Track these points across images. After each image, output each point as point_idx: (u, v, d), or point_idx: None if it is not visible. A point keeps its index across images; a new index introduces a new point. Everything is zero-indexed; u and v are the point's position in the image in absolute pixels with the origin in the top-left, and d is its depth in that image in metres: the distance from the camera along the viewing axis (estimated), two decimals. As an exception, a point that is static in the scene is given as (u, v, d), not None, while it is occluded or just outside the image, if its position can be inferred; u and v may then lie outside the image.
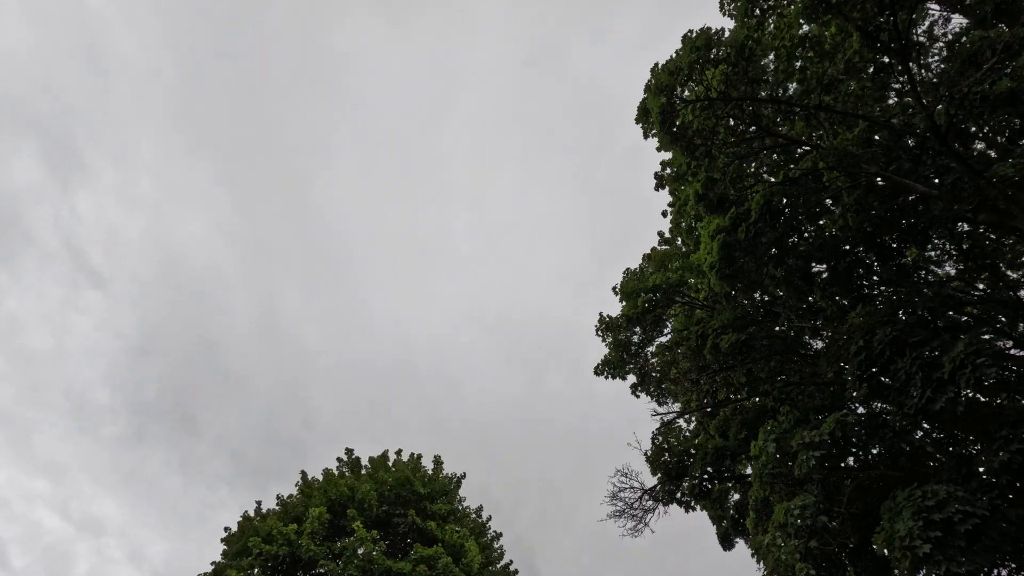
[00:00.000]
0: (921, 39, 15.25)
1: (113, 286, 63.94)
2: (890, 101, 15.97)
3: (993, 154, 15.40)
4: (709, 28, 15.26)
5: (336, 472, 29.83)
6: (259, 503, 27.78)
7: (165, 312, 64.25)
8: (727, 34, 15.16)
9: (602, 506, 19.91)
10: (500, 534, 30.25)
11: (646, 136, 17.68)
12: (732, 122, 15.90)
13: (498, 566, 29.38)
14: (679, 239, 21.69)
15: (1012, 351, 14.58)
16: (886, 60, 14.78)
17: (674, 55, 15.49)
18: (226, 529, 26.49)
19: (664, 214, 22.04)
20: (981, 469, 11.40)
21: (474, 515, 30.22)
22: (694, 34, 14.92)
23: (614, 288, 22.03)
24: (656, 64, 16.07)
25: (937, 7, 15.36)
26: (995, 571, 11.11)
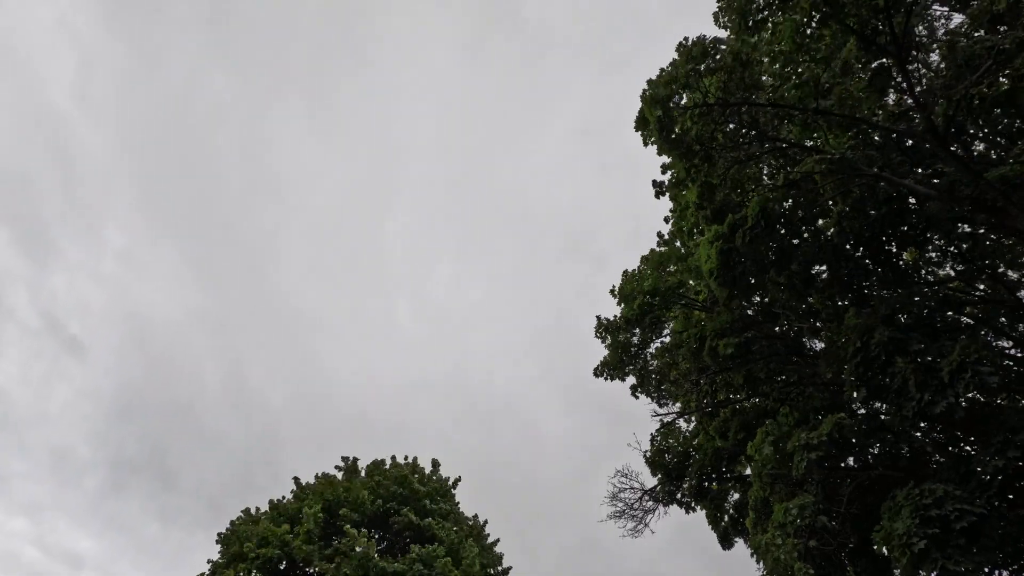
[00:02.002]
0: (922, 36, 15.30)
1: (91, 355, 70.52)
2: (889, 102, 16.02)
3: (993, 155, 15.46)
4: (704, 36, 15.41)
5: (334, 475, 29.91)
6: (247, 509, 27.91)
7: (141, 379, 70.94)
8: (722, 42, 15.32)
9: (602, 507, 19.95)
10: (498, 540, 30.23)
11: (645, 144, 17.70)
12: (731, 127, 15.99)
13: (499, 568, 29.38)
14: (678, 241, 21.72)
15: (1012, 351, 14.62)
16: (884, 62, 14.85)
17: (669, 65, 15.63)
18: (219, 535, 26.57)
19: (666, 220, 22.08)
20: (980, 469, 11.43)
21: (471, 520, 30.22)
22: (689, 42, 15.04)
23: (612, 290, 22.05)
24: (660, 70, 16.18)
25: (939, 7, 15.43)
26: (995, 572, 11.15)
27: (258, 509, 28.14)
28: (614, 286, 21.70)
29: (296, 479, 29.41)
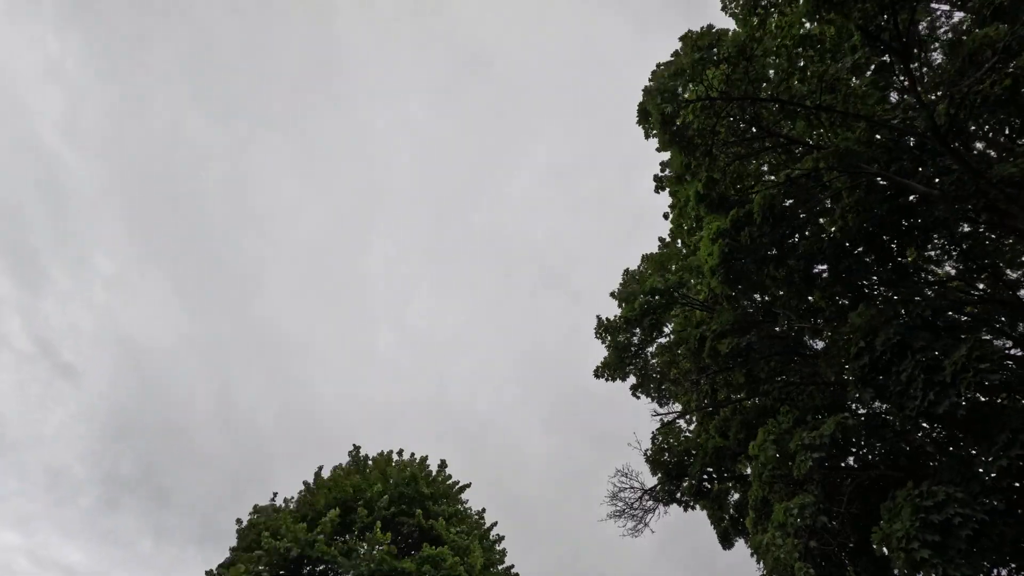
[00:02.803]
0: (923, 34, 15.24)
1: (84, 379, 72.87)
2: (891, 99, 15.96)
3: (992, 154, 15.41)
4: (712, 26, 15.24)
5: (344, 469, 29.86)
6: (275, 494, 27.76)
7: (133, 401, 73.09)
8: (728, 33, 15.20)
9: (602, 506, 19.92)
10: (502, 536, 30.21)
11: (647, 137, 17.66)
12: (733, 120, 15.91)
13: (500, 568, 29.36)
14: (679, 240, 21.67)
15: (1012, 351, 14.57)
16: (887, 59, 14.78)
17: (673, 56, 15.50)
18: (238, 521, 26.47)
19: (665, 216, 22.02)
20: (982, 470, 11.37)
21: (476, 517, 30.20)
22: (695, 34, 14.91)
23: (612, 293, 22.02)
24: (657, 65, 16.10)
25: (941, 5, 15.36)
26: (994, 572, 11.09)
27: (279, 499, 28.11)
28: (613, 291, 21.68)
29: (316, 474, 29.29)
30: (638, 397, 22.58)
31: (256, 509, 26.76)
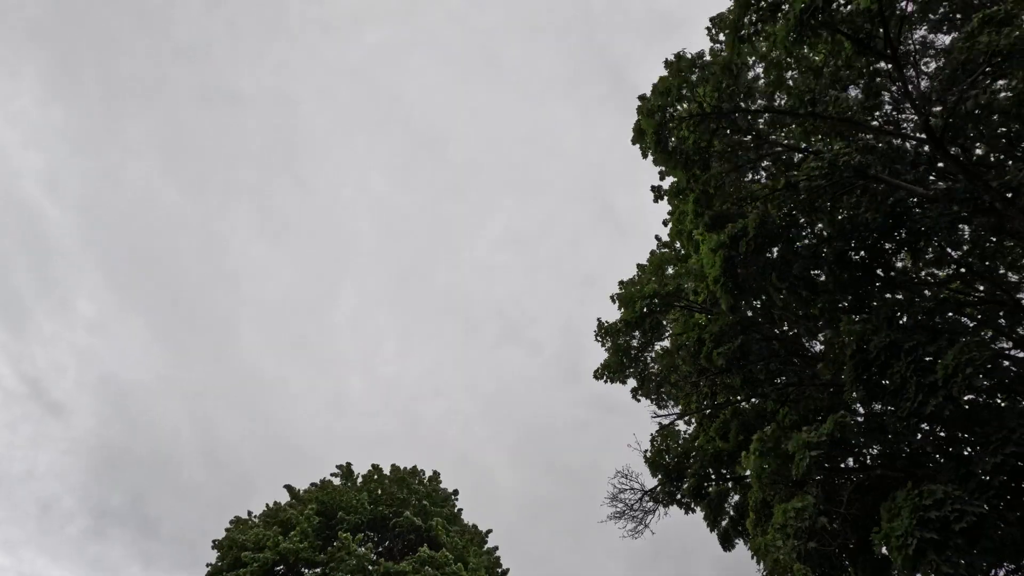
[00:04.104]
0: (916, 43, 15.41)
1: (73, 417, 77.16)
2: (886, 108, 16.12)
3: (992, 159, 15.54)
4: (684, 51, 15.86)
5: (329, 480, 29.95)
6: (237, 517, 28.02)
7: (120, 437, 76.93)
8: (707, 55, 15.58)
9: (602, 507, 19.97)
10: (497, 547, 30.30)
11: (644, 156, 17.78)
12: (728, 132, 16.11)
13: (498, 571, 29.43)
14: (677, 243, 21.75)
15: (1011, 352, 14.66)
16: (882, 66, 14.93)
17: (658, 80, 15.84)
18: (214, 542, 26.62)
19: (664, 223, 22.12)
20: (980, 471, 11.46)
21: (472, 526, 30.27)
22: (675, 58, 15.30)
23: (612, 297, 22.09)
24: (652, 85, 16.35)
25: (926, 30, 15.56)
26: (993, 572, 11.17)
27: (250, 514, 28.26)
28: (613, 295, 21.76)
29: (288, 487, 29.44)
30: (638, 400, 22.65)
31: (229, 529, 26.97)
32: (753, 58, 15.72)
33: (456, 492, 30.82)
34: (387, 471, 30.25)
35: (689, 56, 15.74)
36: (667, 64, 15.85)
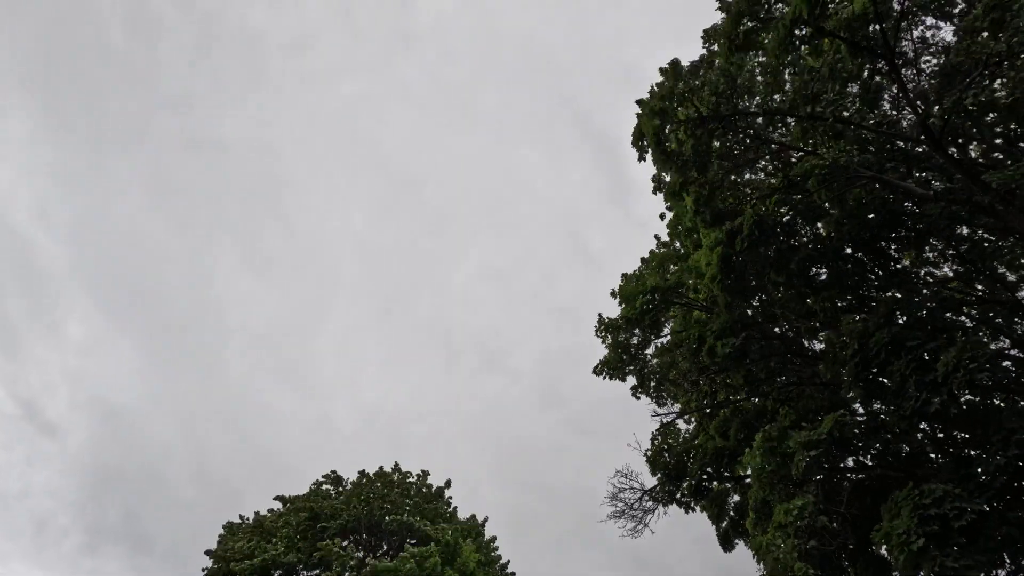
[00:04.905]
0: (913, 44, 15.38)
1: (67, 437, 79.83)
2: (884, 107, 16.10)
3: (989, 158, 15.54)
4: (677, 60, 16.15)
5: (318, 487, 30.10)
6: (242, 516, 28.26)
7: (114, 456, 79.71)
8: (700, 66, 15.68)
9: (602, 507, 20.00)
10: (495, 537, 30.34)
11: (641, 158, 17.79)
12: (728, 136, 16.14)
13: (496, 567, 29.47)
14: (677, 242, 21.75)
15: (1010, 352, 14.70)
16: (879, 65, 14.91)
17: (656, 87, 15.89)
18: (207, 553, 26.89)
19: (662, 216, 22.12)
20: (980, 470, 11.50)
21: (470, 516, 30.33)
22: (670, 66, 15.39)
23: (612, 291, 22.08)
24: (652, 88, 16.36)
25: (927, 17, 15.52)
26: (994, 571, 11.21)
27: (243, 518, 28.55)
28: (613, 289, 21.74)
29: (280, 497, 29.62)
30: (638, 398, 22.66)
31: (226, 527, 27.22)
32: (749, 65, 15.83)
33: (448, 483, 30.85)
34: (375, 474, 30.39)
35: (678, 63, 16.09)
36: (662, 71, 16.12)
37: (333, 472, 30.71)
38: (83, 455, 78.37)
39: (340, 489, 29.41)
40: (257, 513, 28.71)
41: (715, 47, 16.62)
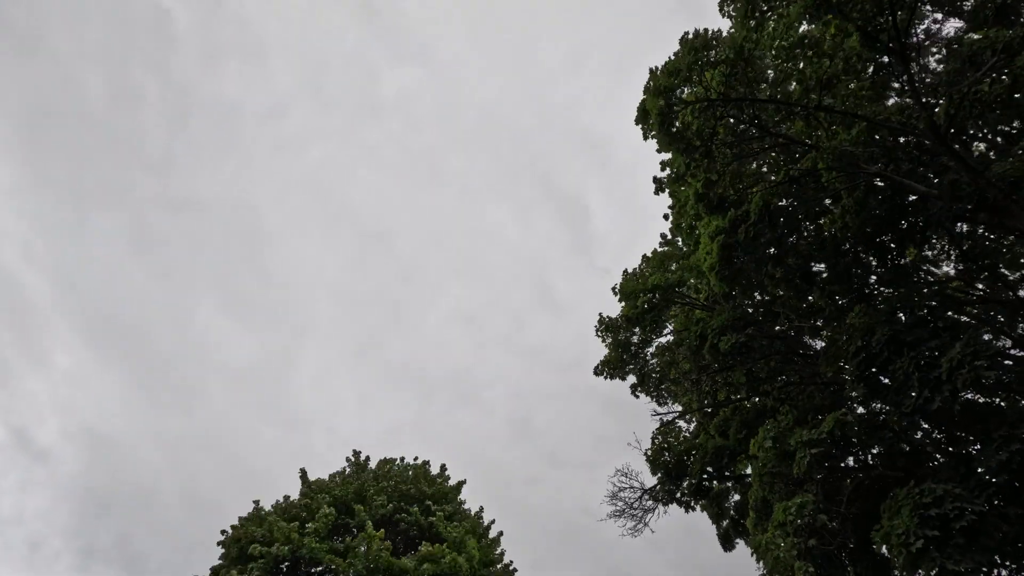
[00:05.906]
0: (920, 37, 15.27)
1: (60, 464, 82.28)
2: (889, 102, 15.98)
3: (992, 155, 15.42)
4: (707, 30, 15.40)
5: (344, 471, 29.98)
6: (256, 502, 27.71)
7: (105, 482, 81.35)
8: (724, 34, 15.27)
9: (602, 506, 19.95)
10: (501, 533, 30.30)
11: (645, 137, 17.67)
12: (732, 121, 15.95)
13: (498, 567, 29.42)
14: (679, 240, 21.67)
15: (1011, 351, 14.59)
16: (886, 60, 14.80)
17: (672, 56, 15.56)
18: (223, 532, 26.36)
19: (665, 217, 22.05)
20: (980, 469, 11.41)
21: (475, 516, 30.30)
22: (691, 35, 14.98)
23: (613, 288, 22.05)
24: (655, 67, 16.13)
25: (934, 9, 15.40)
26: (995, 571, 11.12)
27: (258, 504, 28.09)
28: (614, 286, 21.69)
29: (303, 473, 29.42)
30: (638, 396, 22.61)
31: (241, 520, 26.75)
32: (763, 49, 15.48)
33: (463, 482, 30.93)
34: (398, 464, 30.44)
35: (706, 33, 15.24)
36: (682, 40, 15.45)
37: (356, 454, 30.75)
38: (75, 480, 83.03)
39: (361, 479, 29.28)
40: (287, 497, 28.40)
41: (733, 9, 16.07)
